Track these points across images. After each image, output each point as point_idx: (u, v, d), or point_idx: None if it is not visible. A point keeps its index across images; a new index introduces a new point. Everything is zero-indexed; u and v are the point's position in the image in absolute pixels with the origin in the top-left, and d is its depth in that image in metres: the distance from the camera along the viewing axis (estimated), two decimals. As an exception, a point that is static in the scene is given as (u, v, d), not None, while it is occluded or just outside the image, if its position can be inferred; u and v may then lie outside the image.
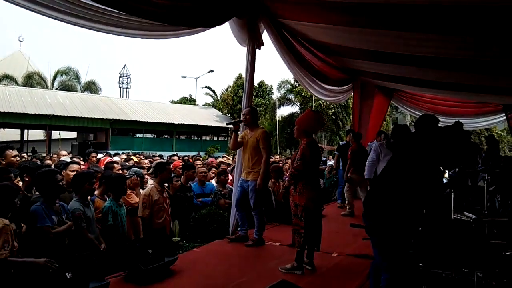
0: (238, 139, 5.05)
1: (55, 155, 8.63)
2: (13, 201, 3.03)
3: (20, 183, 4.06)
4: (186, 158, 10.82)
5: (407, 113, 17.76)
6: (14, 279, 2.95)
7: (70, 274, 2.97)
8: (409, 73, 6.55)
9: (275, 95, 33.20)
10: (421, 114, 11.62)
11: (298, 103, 31.59)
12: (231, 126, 5.15)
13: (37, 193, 3.78)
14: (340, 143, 9.54)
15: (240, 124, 5.16)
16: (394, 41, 4.80)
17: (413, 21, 3.98)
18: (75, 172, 4.30)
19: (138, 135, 29.68)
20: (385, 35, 4.62)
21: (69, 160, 6.03)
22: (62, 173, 4.49)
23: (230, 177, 6.63)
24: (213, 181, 6.65)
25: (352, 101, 10.87)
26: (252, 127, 4.99)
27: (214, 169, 7.23)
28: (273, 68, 37.25)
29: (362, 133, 9.38)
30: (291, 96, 32.21)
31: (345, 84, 8.76)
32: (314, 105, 28.37)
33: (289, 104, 32.96)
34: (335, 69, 7.85)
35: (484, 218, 2.92)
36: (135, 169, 5.27)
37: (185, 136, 33.17)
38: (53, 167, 4.77)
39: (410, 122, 24.53)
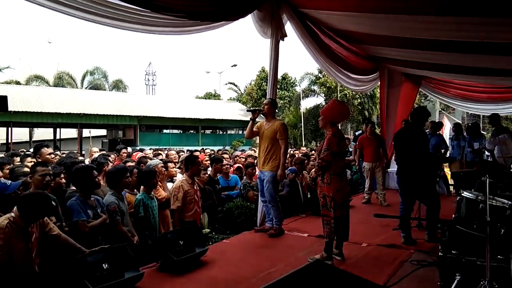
0: (254, 129, 5.11)
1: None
2: (42, 210, 2.95)
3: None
4: (212, 152, 10.92)
5: (437, 100, 17.24)
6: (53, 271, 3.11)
7: (106, 265, 3.09)
8: (439, 59, 6.35)
9: (304, 84, 32.76)
10: (451, 101, 11.39)
11: (323, 94, 31.22)
12: (250, 113, 5.18)
13: (73, 188, 3.94)
14: (357, 133, 9.42)
15: (259, 113, 5.19)
16: (423, 26, 4.68)
17: (444, 5, 3.86)
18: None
19: (165, 131, 30.22)
20: (413, 20, 4.51)
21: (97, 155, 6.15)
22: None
23: (257, 170, 6.69)
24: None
25: (378, 90, 10.65)
26: (270, 119, 5.05)
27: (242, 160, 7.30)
28: (296, 60, 36.89)
29: (389, 122, 9.23)
30: (315, 88, 31.86)
31: (371, 73, 8.61)
32: (339, 95, 27.97)
33: (314, 96, 32.65)
34: (361, 57, 7.71)
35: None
36: (154, 161, 5.36)
37: (211, 130, 33.49)
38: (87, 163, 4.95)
39: (440, 110, 23.83)
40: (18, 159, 5.46)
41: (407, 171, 4.61)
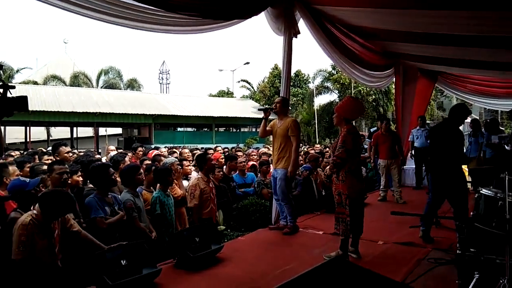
0: (267, 128, 5.12)
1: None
2: (63, 207, 3.03)
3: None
4: (226, 150, 10.96)
5: (453, 96, 16.93)
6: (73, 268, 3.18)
7: (124, 261, 3.15)
8: (455, 54, 6.25)
9: (318, 80, 32.52)
10: (468, 96, 11.18)
11: (337, 91, 30.97)
12: (262, 112, 5.19)
13: (90, 185, 4.02)
14: (372, 130, 9.33)
15: (271, 112, 5.20)
16: (439, 21, 4.60)
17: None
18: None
19: (179, 129, 30.44)
20: (429, 15, 4.44)
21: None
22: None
23: (271, 168, 6.69)
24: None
25: (394, 86, 10.53)
26: (282, 117, 5.04)
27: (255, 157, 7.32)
28: (310, 57, 36.76)
29: (405, 119, 9.13)
30: (328, 84, 31.61)
31: (386, 69, 8.52)
32: (353, 92, 27.69)
33: (327, 92, 32.41)
34: (376, 54, 7.63)
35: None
36: (170, 159, 5.41)
37: (224, 128, 33.62)
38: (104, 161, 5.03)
39: (456, 106, 23.34)
40: (37, 157, 5.59)
41: (442, 169, 4.42)
